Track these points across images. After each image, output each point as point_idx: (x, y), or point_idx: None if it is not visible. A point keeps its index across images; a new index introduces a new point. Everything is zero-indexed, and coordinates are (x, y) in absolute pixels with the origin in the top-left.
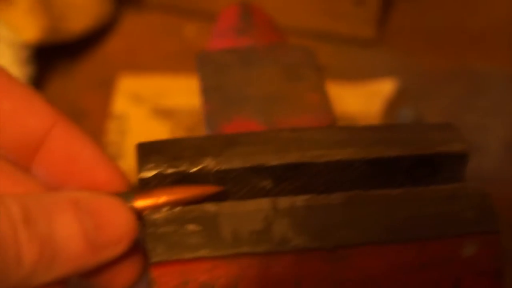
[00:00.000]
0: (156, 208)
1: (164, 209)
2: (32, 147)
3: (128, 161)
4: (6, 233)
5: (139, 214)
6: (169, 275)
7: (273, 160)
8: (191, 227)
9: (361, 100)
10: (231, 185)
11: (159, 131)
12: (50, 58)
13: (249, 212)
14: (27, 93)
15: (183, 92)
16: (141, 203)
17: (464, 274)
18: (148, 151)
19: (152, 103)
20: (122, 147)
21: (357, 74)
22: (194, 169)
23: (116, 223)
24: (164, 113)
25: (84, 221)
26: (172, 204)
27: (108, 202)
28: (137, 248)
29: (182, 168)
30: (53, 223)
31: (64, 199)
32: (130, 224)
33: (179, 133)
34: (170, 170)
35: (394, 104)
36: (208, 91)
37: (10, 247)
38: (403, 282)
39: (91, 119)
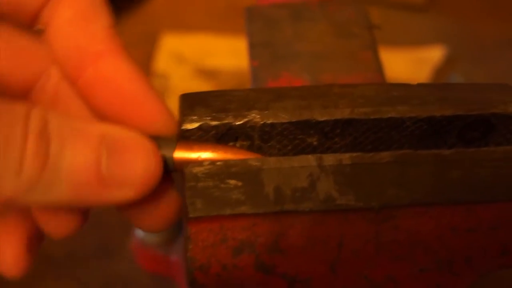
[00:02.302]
0: (196, 161)
1: (206, 163)
2: (82, 64)
3: None
4: (16, 139)
5: (177, 165)
6: (207, 232)
7: (321, 116)
8: (233, 182)
9: (409, 67)
10: (277, 141)
11: None
12: None
13: (293, 169)
14: (93, 12)
15: (227, 52)
16: (180, 154)
17: None
18: (191, 103)
19: (195, 63)
20: None
21: (405, 40)
22: (239, 122)
23: (136, 165)
24: (207, 74)
25: (102, 154)
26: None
27: (137, 143)
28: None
29: (227, 120)
30: (67, 147)
31: (91, 129)
32: (151, 169)
33: None
34: (214, 123)
35: (443, 71)
36: (255, 47)
37: (15, 153)
38: (449, 246)
39: None
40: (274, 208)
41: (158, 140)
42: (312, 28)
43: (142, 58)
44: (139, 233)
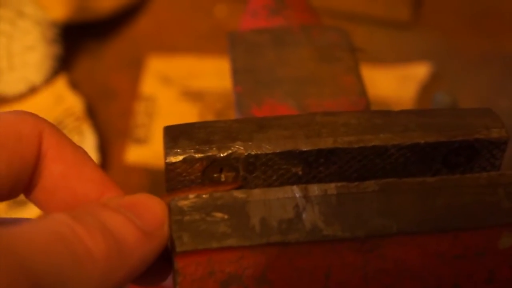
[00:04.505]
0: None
1: (192, 196)
2: None
3: (156, 145)
4: (63, 230)
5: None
6: (195, 266)
7: (305, 146)
8: (219, 215)
9: (395, 84)
10: (261, 171)
11: (187, 114)
12: (79, 38)
13: (278, 200)
14: (79, 157)
15: (213, 74)
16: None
17: (499, 266)
18: (175, 135)
19: (181, 85)
20: (150, 129)
21: (391, 57)
22: (223, 154)
23: (152, 208)
24: (193, 96)
25: (125, 213)
26: None
27: (135, 195)
28: None
29: (211, 153)
30: (99, 217)
31: (95, 205)
32: (164, 208)
33: (208, 116)
34: (198, 155)
35: (428, 89)
36: (239, 73)
37: (74, 241)
38: (436, 274)
39: (120, 100)
40: (261, 240)
41: None
42: (295, 52)
43: (128, 81)
44: None
